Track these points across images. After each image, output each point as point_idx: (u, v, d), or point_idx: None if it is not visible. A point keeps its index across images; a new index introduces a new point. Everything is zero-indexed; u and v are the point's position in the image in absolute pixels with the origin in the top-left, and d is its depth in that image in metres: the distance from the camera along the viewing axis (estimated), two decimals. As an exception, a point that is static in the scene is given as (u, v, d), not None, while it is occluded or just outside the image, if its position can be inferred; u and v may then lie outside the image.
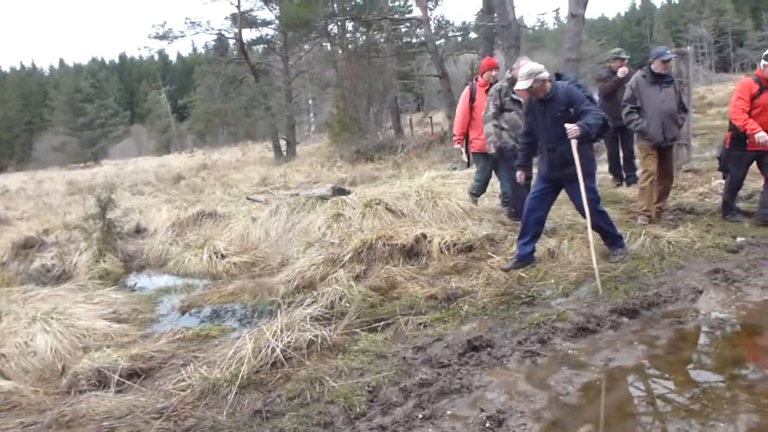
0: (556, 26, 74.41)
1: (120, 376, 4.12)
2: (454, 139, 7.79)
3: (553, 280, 5.20)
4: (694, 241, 5.87)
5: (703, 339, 4.08)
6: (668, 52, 6.69)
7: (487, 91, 7.17)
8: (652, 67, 6.65)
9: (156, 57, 70.71)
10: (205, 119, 32.86)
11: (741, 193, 7.55)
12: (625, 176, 8.81)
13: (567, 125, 5.20)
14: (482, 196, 7.83)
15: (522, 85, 5.32)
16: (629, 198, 7.83)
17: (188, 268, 7.49)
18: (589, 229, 5.27)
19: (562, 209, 6.74)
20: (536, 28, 60.72)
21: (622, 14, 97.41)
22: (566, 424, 3.12)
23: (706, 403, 3.20)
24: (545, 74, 5.32)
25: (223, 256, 7.46)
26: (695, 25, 67.81)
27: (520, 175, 6.03)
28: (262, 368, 3.95)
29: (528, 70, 5.32)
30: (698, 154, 10.01)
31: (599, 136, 5.68)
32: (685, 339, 4.05)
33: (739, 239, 5.96)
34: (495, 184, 7.74)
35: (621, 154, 8.85)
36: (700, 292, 4.67)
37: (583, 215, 5.68)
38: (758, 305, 4.42)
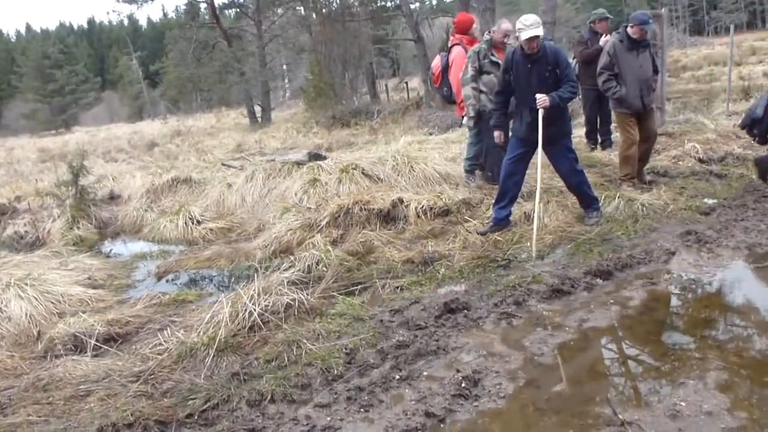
0: (532, -10, 73.76)
1: (96, 340, 4.10)
2: (462, 105, 6.90)
3: (528, 243, 5.23)
4: (667, 203, 5.95)
5: (675, 300, 4.17)
6: (651, 21, 6.47)
7: None
8: (630, 31, 6.42)
9: (126, 22, 69.04)
10: (178, 85, 32.21)
11: (712, 155, 7.68)
12: (600, 140, 8.81)
13: (537, 95, 5.22)
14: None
15: (537, 31, 5.17)
16: (604, 162, 7.87)
17: (164, 234, 7.43)
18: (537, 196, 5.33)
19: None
20: (512, -8, 60.19)
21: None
22: (540, 383, 3.17)
23: (677, 362, 3.28)
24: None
25: (198, 222, 7.40)
26: (670, -13, 67.89)
27: (499, 136, 5.90)
28: (239, 332, 3.96)
29: (534, 19, 5.23)
30: (672, 117, 10.07)
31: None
32: (657, 300, 4.12)
33: (710, 201, 6.06)
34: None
35: (598, 118, 8.81)
36: (673, 253, 4.74)
37: (563, 178, 5.71)
38: (729, 266, 4.51)
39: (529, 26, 5.19)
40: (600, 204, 5.82)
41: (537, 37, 5.20)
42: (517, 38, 5.37)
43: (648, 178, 6.89)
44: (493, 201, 5.77)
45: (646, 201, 5.94)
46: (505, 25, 6.59)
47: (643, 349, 3.50)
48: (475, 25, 7.21)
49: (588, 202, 5.73)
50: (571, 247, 5.18)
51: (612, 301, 4.10)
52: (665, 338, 3.63)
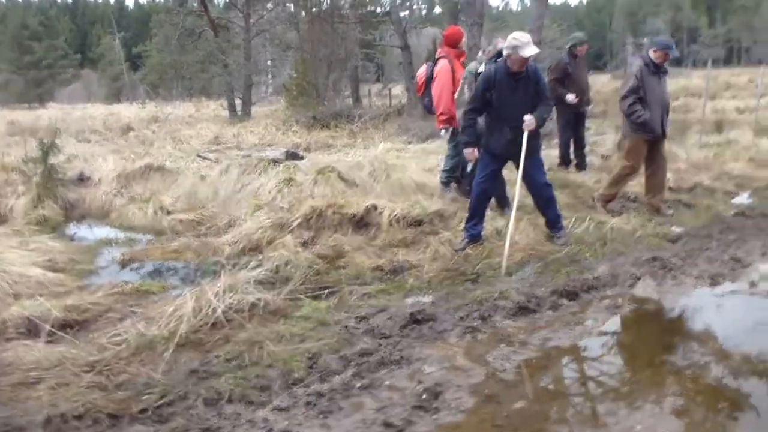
0: (519, 8, 75.03)
1: (52, 326, 3.97)
2: (442, 118, 6.94)
3: (498, 259, 5.24)
4: (635, 229, 6.03)
5: (637, 324, 4.22)
6: (674, 47, 6.51)
7: (462, 63, 7.05)
8: (653, 56, 6.38)
9: (112, 0, 67.83)
10: (160, 71, 31.78)
11: (682, 185, 7.83)
12: (575, 162, 8.89)
13: (526, 117, 5.29)
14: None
15: (536, 49, 5.24)
16: (578, 183, 7.96)
17: (132, 221, 7.32)
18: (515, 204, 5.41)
19: (512, 190, 6.81)
20: (500, 9, 61.18)
21: (584, 2, 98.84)
22: (501, 399, 3.17)
23: (636, 385, 3.32)
24: None
25: (168, 212, 7.30)
26: (653, 17, 69.26)
27: (471, 153, 5.75)
28: (201, 328, 3.89)
29: (530, 37, 5.29)
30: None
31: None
32: (620, 323, 4.18)
33: (678, 230, 6.16)
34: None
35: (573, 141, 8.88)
36: (639, 278, 4.79)
37: (536, 191, 5.72)
38: (691, 294, 4.59)
39: (527, 43, 5.23)
40: (564, 223, 5.89)
41: (532, 55, 5.26)
42: (509, 56, 5.35)
43: (619, 204, 6.96)
44: (467, 218, 5.75)
45: (616, 225, 6.03)
46: (501, 44, 6.56)
47: (603, 371, 3.53)
48: (464, 39, 7.23)
49: (555, 220, 5.78)
50: (539, 265, 5.21)
51: (576, 321, 4.13)
52: (625, 361, 3.68)
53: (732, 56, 72.25)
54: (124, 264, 5.73)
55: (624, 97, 6.45)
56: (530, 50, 5.22)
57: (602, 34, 75.19)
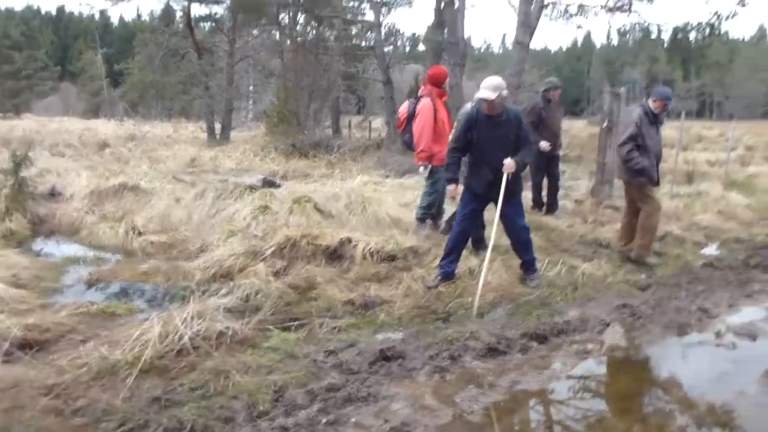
0: (500, 50, 76.69)
1: (10, 345, 3.86)
2: (422, 155, 6.94)
3: (470, 299, 5.24)
4: (606, 275, 6.09)
5: (604, 369, 4.24)
6: (672, 99, 6.66)
7: (444, 103, 7.13)
8: (652, 106, 6.53)
9: (97, 16, 67.61)
10: (141, 89, 31.59)
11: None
12: (548, 204, 8.98)
13: (506, 160, 5.35)
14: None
15: (488, 95, 5.29)
16: (551, 226, 8.03)
17: (102, 240, 7.20)
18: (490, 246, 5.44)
19: (488, 231, 6.84)
20: (482, 50, 62.49)
21: (564, 49, 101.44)
22: (467, 442, 3.16)
23: (602, 431, 3.32)
24: (506, 92, 5.43)
25: (140, 233, 7.20)
26: (630, 68, 71.23)
27: (453, 189, 5.77)
28: (167, 354, 3.81)
29: (495, 83, 5.35)
30: (619, 192, 10.40)
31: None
32: (588, 368, 4.18)
33: (647, 277, 6.24)
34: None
35: (546, 183, 8.98)
36: (608, 324, 4.82)
37: (515, 233, 5.74)
38: (659, 343, 4.63)
39: (485, 87, 5.33)
40: (538, 265, 5.92)
41: (487, 100, 5.32)
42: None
43: (591, 250, 7.03)
44: (443, 255, 5.75)
45: (587, 270, 6.06)
46: None
47: (570, 416, 3.54)
48: (447, 80, 7.32)
49: (530, 263, 5.81)
50: (511, 307, 5.22)
51: (544, 365, 4.13)
52: (592, 406, 3.69)
53: (704, 109, 74.57)
54: (90, 284, 5.60)
55: (623, 144, 6.54)
56: (480, 93, 5.36)
57: (580, 81, 77.16)
